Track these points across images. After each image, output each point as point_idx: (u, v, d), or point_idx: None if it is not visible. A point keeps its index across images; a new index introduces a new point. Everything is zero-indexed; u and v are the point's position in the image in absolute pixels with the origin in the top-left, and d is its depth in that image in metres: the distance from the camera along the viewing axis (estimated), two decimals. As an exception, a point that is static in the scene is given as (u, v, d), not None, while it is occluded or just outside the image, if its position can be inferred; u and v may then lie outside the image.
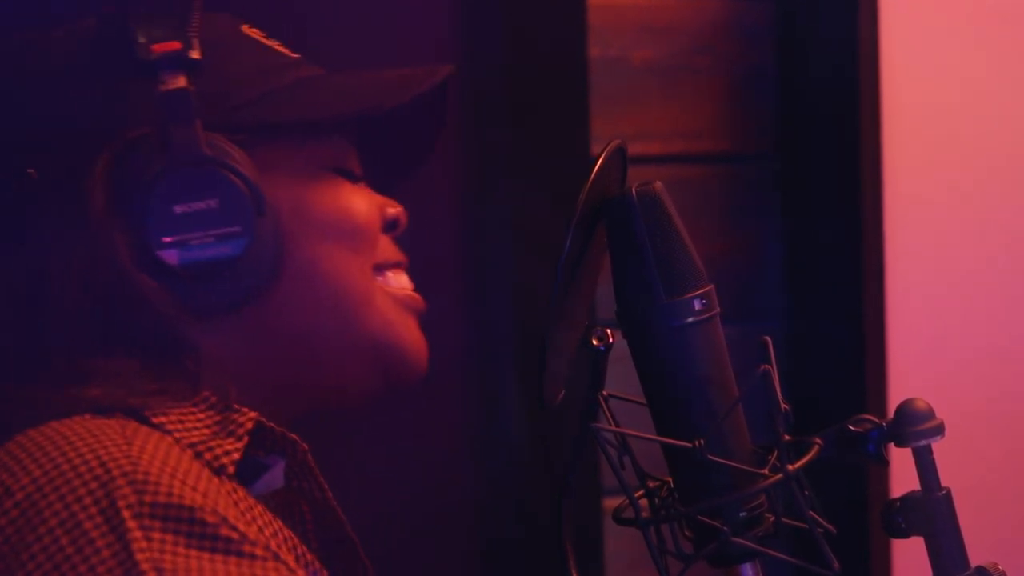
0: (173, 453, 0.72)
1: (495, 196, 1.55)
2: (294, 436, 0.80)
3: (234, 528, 0.69)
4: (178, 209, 0.78)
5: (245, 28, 0.87)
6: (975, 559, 0.78)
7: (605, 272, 0.82)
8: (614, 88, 1.44)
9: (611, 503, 1.17)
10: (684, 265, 0.77)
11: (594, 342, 0.80)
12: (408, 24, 1.42)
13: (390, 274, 0.89)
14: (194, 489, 0.70)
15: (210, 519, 0.69)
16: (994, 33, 1.55)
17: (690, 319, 0.77)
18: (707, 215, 1.50)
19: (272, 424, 0.80)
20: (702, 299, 0.77)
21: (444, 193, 1.53)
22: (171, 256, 0.78)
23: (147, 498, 0.68)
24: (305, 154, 0.85)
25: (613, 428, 0.79)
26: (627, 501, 0.79)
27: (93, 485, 0.68)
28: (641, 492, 0.81)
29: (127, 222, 0.78)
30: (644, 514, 0.78)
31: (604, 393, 0.80)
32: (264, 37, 0.88)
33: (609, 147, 0.79)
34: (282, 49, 0.88)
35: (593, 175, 0.77)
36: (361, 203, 0.87)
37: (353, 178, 0.88)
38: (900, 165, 1.49)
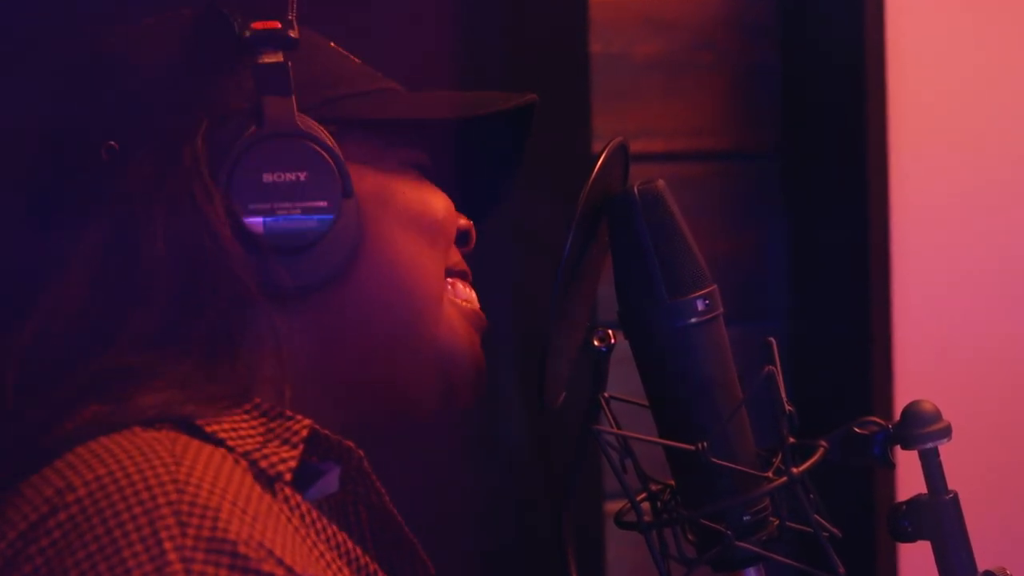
0: (224, 470, 0.72)
1: (495, 194, 1.55)
2: (349, 443, 0.80)
3: (280, 562, 0.69)
4: (267, 178, 0.79)
5: (333, 44, 0.90)
6: (982, 564, 0.78)
7: (607, 272, 0.82)
8: (616, 84, 1.44)
9: (613, 507, 1.17)
10: (687, 265, 0.78)
11: (596, 343, 0.80)
12: (406, 18, 1.42)
13: (459, 283, 0.90)
14: (244, 512, 0.70)
15: (253, 554, 0.69)
16: (1003, 27, 1.56)
17: (693, 320, 0.77)
18: (710, 214, 1.50)
19: (327, 432, 0.79)
20: (705, 299, 0.78)
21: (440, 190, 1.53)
22: (256, 224, 0.79)
23: (191, 531, 0.68)
24: (391, 153, 0.87)
25: (615, 430, 0.79)
26: (629, 504, 0.79)
27: (137, 511, 0.68)
28: (643, 495, 0.81)
29: (219, 190, 0.79)
30: (646, 518, 0.78)
31: (606, 395, 0.80)
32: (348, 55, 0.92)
33: (611, 145, 0.80)
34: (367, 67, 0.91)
35: (595, 173, 0.77)
36: (441, 200, 0.88)
37: (433, 181, 0.90)
38: (907, 162, 1.49)
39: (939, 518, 0.78)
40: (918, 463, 0.78)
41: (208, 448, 0.73)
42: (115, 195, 0.79)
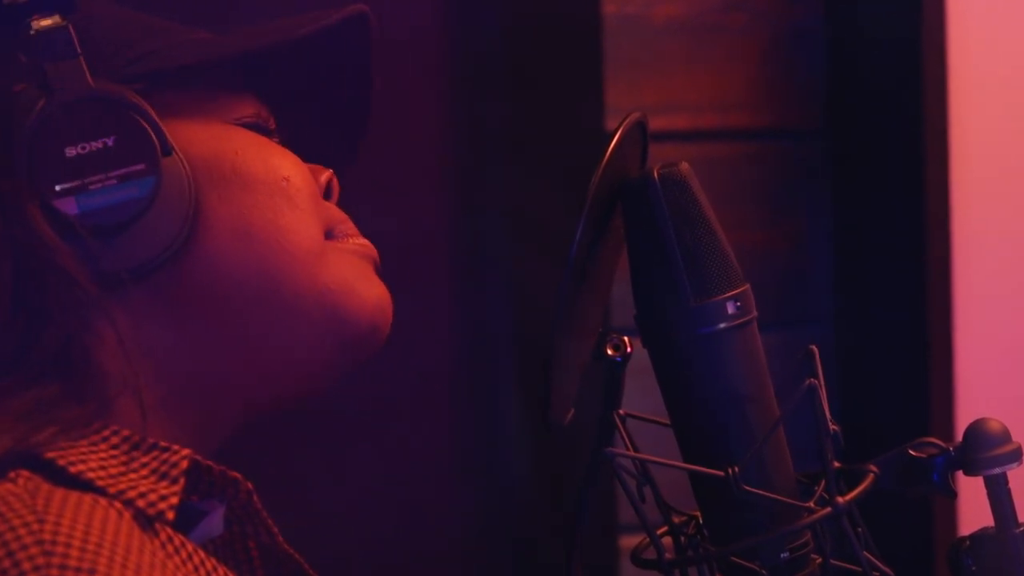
0: (96, 520, 0.73)
1: (491, 180, 1.55)
2: (236, 474, 0.82)
3: None
4: (70, 152, 0.80)
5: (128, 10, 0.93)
6: (1058, 608, 0.79)
7: (622, 270, 0.82)
8: (632, 51, 1.45)
9: (629, 542, 1.17)
10: (715, 261, 0.78)
11: (609, 352, 0.80)
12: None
13: (344, 235, 0.91)
14: (124, 567, 0.71)
15: None
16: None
17: (722, 325, 0.77)
18: (742, 201, 1.50)
19: (210, 463, 0.81)
20: (736, 301, 0.78)
21: (432, 178, 1.53)
22: (68, 205, 0.79)
23: None
24: (215, 106, 0.89)
25: (631, 454, 0.80)
26: (648, 540, 0.80)
27: None
28: (664, 529, 0.82)
29: (18, 180, 0.80)
30: (668, 555, 0.78)
31: (621, 412, 0.81)
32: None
33: (627, 121, 0.80)
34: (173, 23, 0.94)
35: (608, 154, 0.77)
36: (285, 158, 0.90)
37: (271, 136, 0.92)
38: (970, 144, 1.49)
39: (1008, 555, 0.78)
40: (983, 491, 0.78)
41: (75, 495, 0.74)
42: None
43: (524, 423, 1.54)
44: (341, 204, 0.93)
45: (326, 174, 0.92)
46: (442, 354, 1.53)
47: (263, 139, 0.89)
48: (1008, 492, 0.78)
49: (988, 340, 1.51)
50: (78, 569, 0.69)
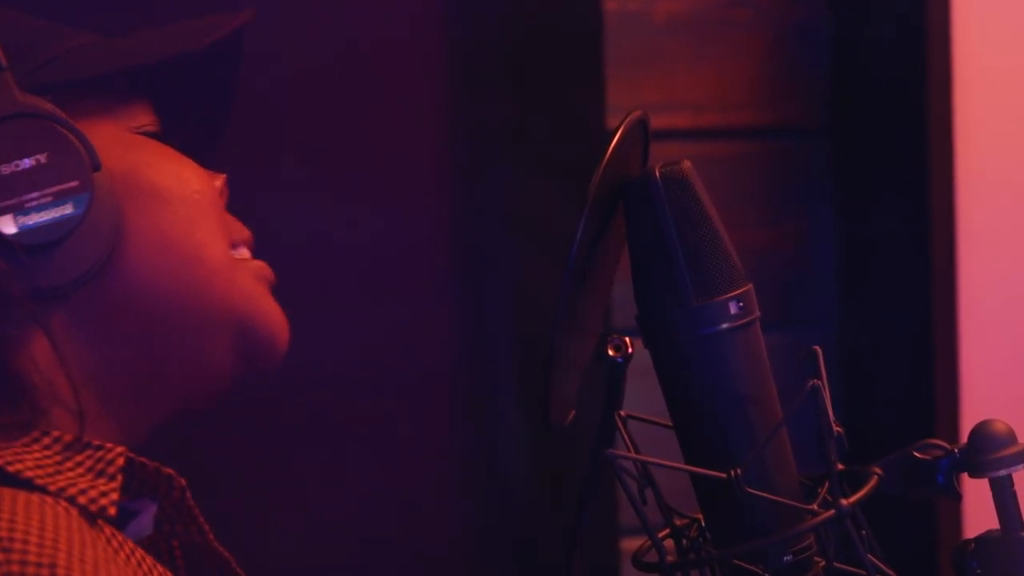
0: (48, 516, 0.74)
1: (491, 180, 1.55)
2: (169, 471, 0.83)
3: None
4: (5, 170, 0.80)
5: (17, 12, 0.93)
6: (1064, 612, 0.78)
7: (623, 269, 0.82)
8: (634, 49, 1.44)
9: (630, 544, 1.17)
10: (718, 260, 0.78)
11: (610, 353, 0.80)
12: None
13: (243, 249, 0.93)
14: (82, 561, 0.72)
15: None
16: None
17: (724, 325, 0.77)
18: (745, 200, 1.50)
19: (143, 459, 0.82)
20: (739, 301, 0.78)
21: (430, 176, 1.53)
22: (7, 224, 0.80)
23: None
24: (118, 115, 0.89)
25: (633, 455, 0.79)
26: (649, 542, 0.79)
27: None
28: (666, 532, 0.81)
29: None
30: (670, 558, 0.78)
31: (622, 413, 0.80)
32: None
33: (628, 119, 0.79)
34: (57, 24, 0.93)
35: (609, 153, 0.77)
36: (195, 167, 0.91)
37: (167, 143, 0.93)
38: (975, 142, 1.49)
39: (1013, 558, 0.78)
40: (988, 493, 0.78)
41: (23, 494, 0.75)
42: None
43: (524, 423, 1.53)
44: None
45: (221, 179, 0.93)
46: (442, 354, 1.53)
47: (168, 149, 0.90)
48: (1014, 494, 0.78)
49: (993, 340, 1.51)
50: (39, 564, 0.70)
